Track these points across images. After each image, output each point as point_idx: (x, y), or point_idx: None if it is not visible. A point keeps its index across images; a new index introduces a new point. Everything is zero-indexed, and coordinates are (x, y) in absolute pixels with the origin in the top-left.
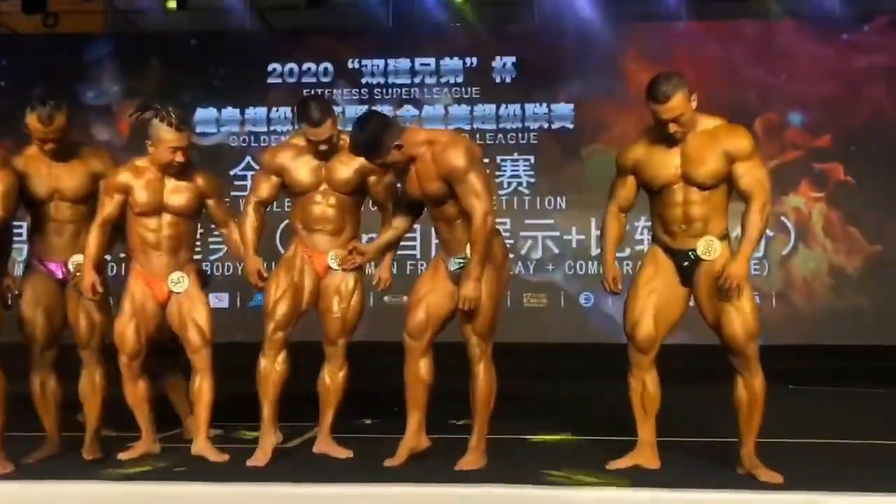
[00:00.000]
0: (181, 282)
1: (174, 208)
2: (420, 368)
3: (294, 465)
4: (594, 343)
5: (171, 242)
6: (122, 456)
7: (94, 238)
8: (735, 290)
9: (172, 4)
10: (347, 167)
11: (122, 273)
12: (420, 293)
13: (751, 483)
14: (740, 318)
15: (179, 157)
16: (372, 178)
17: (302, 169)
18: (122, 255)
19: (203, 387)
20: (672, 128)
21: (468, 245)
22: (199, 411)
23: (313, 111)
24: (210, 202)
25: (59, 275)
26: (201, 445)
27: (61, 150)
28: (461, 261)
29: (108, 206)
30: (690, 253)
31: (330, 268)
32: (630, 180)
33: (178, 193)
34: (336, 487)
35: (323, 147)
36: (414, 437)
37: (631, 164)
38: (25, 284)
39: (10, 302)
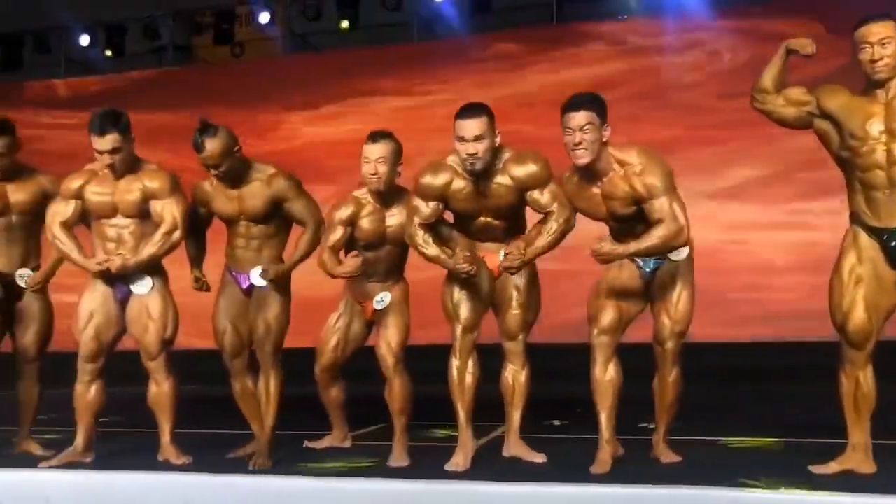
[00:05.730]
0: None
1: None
2: (611, 370)
3: (493, 467)
4: None
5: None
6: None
7: None
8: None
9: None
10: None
11: None
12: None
13: None
14: None
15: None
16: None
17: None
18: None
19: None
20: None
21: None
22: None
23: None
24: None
25: (244, 285)
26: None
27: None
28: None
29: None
30: None
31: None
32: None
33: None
34: (538, 487)
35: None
36: (612, 441)
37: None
38: (218, 295)
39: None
